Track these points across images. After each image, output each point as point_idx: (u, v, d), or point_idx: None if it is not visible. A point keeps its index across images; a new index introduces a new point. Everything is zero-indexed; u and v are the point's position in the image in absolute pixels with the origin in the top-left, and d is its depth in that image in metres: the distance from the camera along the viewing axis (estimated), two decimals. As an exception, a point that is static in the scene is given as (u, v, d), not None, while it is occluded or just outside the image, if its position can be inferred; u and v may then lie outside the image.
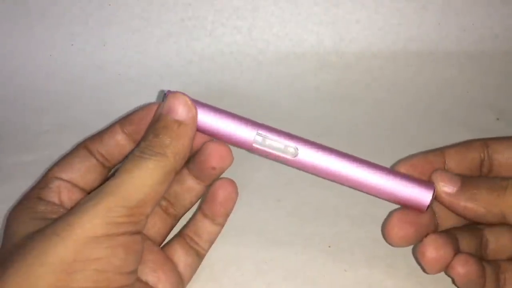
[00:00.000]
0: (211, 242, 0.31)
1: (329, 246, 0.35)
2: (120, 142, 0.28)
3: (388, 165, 0.29)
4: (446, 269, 0.28)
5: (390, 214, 0.29)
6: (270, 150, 0.28)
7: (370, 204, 0.34)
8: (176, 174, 0.25)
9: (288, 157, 0.28)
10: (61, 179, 0.27)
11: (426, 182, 0.28)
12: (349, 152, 0.28)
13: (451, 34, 0.52)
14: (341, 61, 0.52)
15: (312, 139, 0.28)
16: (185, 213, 0.32)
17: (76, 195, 0.27)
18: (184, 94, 0.26)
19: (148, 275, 0.28)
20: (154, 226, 0.30)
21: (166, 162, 0.24)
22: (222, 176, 0.30)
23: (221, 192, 0.29)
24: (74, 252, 0.22)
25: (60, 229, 0.22)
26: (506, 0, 0.52)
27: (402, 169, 0.29)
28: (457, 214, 0.28)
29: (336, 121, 0.47)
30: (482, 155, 0.30)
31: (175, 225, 0.31)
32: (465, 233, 0.30)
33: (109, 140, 0.28)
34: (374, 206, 0.32)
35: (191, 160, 0.30)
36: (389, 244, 0.29)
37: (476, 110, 0.48)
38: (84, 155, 0.28)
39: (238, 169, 0.31)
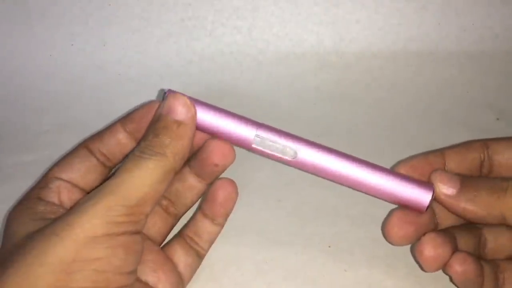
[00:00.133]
0: (211, 242, 0.31)
1: (329, 246, 0.35)
2: (121, 140, 0.28)
3: (388, 165, 0.29)
4: (444, 267, 0.28)
5: (390, 213, 0.29)
6: (270, 151, 0.28)
7: (370, 204, 0.34)
8: (175, 173, 0.25)
9: (288, 157, 0.28)
10: (61, 179, 0.27)
11: (426, 183, 0.28)
12: (349, 152, 0.28)
13: (451, 34, 0.52)
14: (341, 61, 0.52)
15: (312, 139, 0.28)
16: (185, 212, 0.32)
17: (76, 195, 0.27)
18: (183, 94, 0.27)
19: (148, 275, 0.28)
20: (155, 226, 0.30)
21: (165, 162, 0.25)
22: (222, 176, 0.30)
23: (221, 192, 0.29)
24: (74, 252, 0.22)
25: (59, 229, 0.22)
26: (506, 0, 0.52)
27: (402, 170, 0.29)
28: (457, 215, 0.28)
29: (336, 121, 0.47)
30: (482, 155, 0.30)
31: (175, 224, 0.31)
32: (463, 232, 0.29)
33: (110, 139, 0.28)
34: (374, 206, 0.32)
35: (193, 157, 0.30)
36: (389, 243, 0.29)
37: (476, 110, 0.48)
38: (85, 155, 0.28)
39: (239, 169, 0.31)
